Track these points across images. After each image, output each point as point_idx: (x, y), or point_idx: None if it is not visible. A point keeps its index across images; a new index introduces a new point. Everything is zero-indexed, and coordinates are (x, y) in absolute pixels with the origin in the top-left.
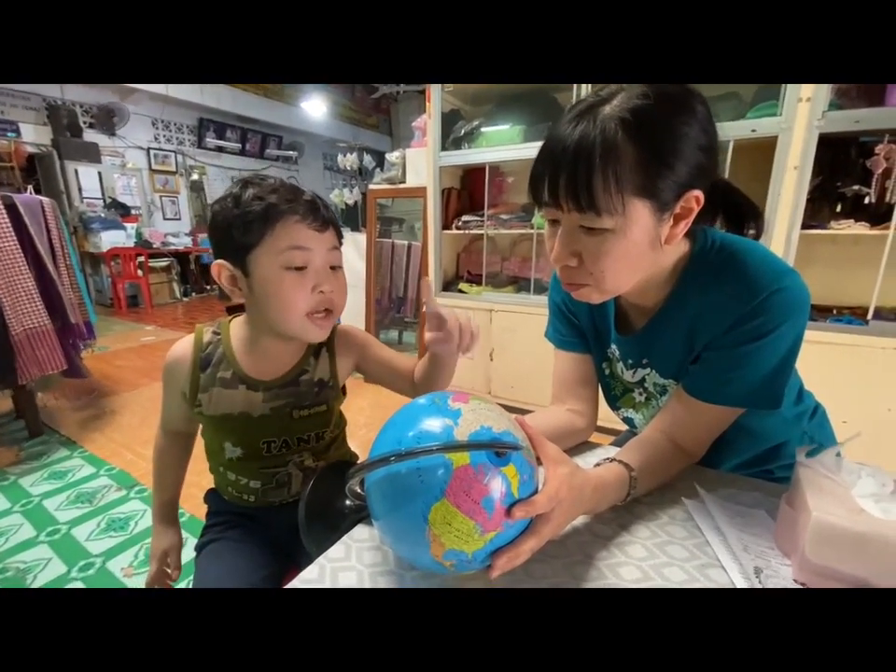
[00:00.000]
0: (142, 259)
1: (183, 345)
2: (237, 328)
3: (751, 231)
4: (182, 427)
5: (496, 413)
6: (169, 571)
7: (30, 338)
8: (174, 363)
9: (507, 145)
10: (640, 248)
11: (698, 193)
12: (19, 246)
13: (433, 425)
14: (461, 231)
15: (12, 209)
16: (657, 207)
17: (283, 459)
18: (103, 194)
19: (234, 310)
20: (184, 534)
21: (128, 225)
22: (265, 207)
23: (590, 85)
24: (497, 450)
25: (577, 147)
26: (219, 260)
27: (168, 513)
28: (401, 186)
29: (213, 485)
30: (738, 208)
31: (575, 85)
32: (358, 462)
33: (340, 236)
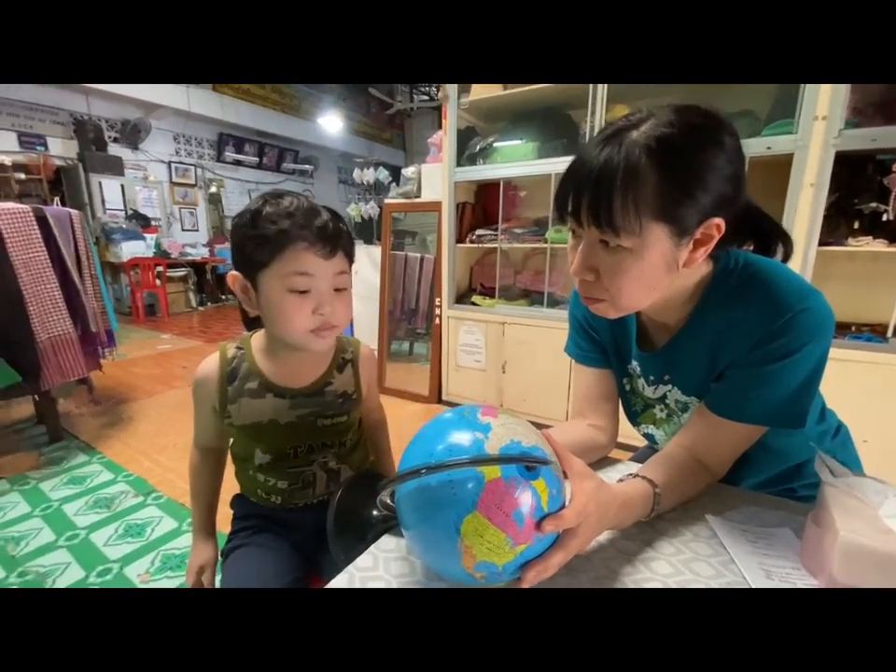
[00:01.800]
0: (160, 268)
1: (209, 363)
2: (258, 340)
3: (780, 254)
4: (214, 442)
5: (524, 427)
6: (205, 585)
7: (54, 345)
8: (202, 381)
9: (521, 161)
10: (656, 270)
11: (719, 221)
12: (47, 257)
13: (463, 438)
14: (475, 245)
15: (42, 221)
16: (676, 232)
17: (308, 459)
18: (125, 206)
19: (253, 324)
20: None
21: (147, 236)
22: (277, 232)
23: (605, 92)
24: (528, 464)
25: (601, 169)
26: (234, 271)
27: (205, 526)
28: (417, 200)
29: (237, 491)
30: (766, 234)
31: (589, 102)
32: (386, 480)
33: (350, 258)
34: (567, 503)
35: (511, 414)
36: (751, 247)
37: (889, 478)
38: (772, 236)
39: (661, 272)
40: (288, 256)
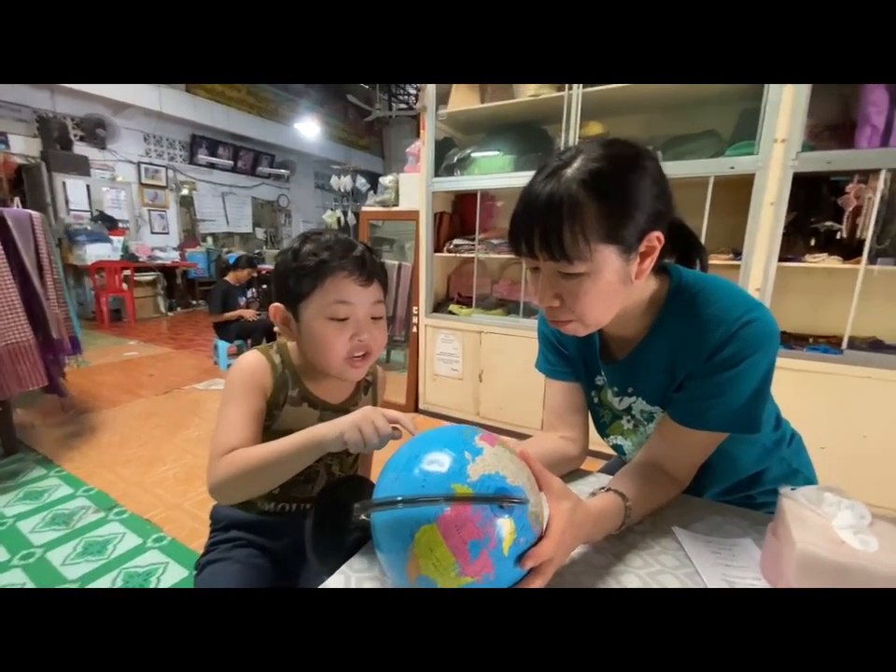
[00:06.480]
0: (127, 272)
1: (257, 361)
2: (294, 351)
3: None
4: (254, 440)
5: (516, 465)
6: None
7: (11, 353)
8: (259, 376)
9: (498, 172)
10: (613, 286)
11: (658, 234)
12: (5, 260)
13: (451, 458)
14: (452, 254)
15: (1, 223)
16: (623, 250)
17: (317, 462)
18: (90, 207)
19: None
20: (165, 559)
21: (114, 238)
22: (318, 263)
23: (579, 108)
24: (501, 503)
25: (545, 208)
26: (276, 304)
27: (312, 430)
28: (394, 209)
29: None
30: (689, 247)
31: (563, 118)
32: (363, 501)
33: (385, 288)
34: (544, 527)
35: (510, 450)
36: (674, 259)
37: (843, 483)
38: (693, 249)
39: (617, 287)
40: (329, 285)
